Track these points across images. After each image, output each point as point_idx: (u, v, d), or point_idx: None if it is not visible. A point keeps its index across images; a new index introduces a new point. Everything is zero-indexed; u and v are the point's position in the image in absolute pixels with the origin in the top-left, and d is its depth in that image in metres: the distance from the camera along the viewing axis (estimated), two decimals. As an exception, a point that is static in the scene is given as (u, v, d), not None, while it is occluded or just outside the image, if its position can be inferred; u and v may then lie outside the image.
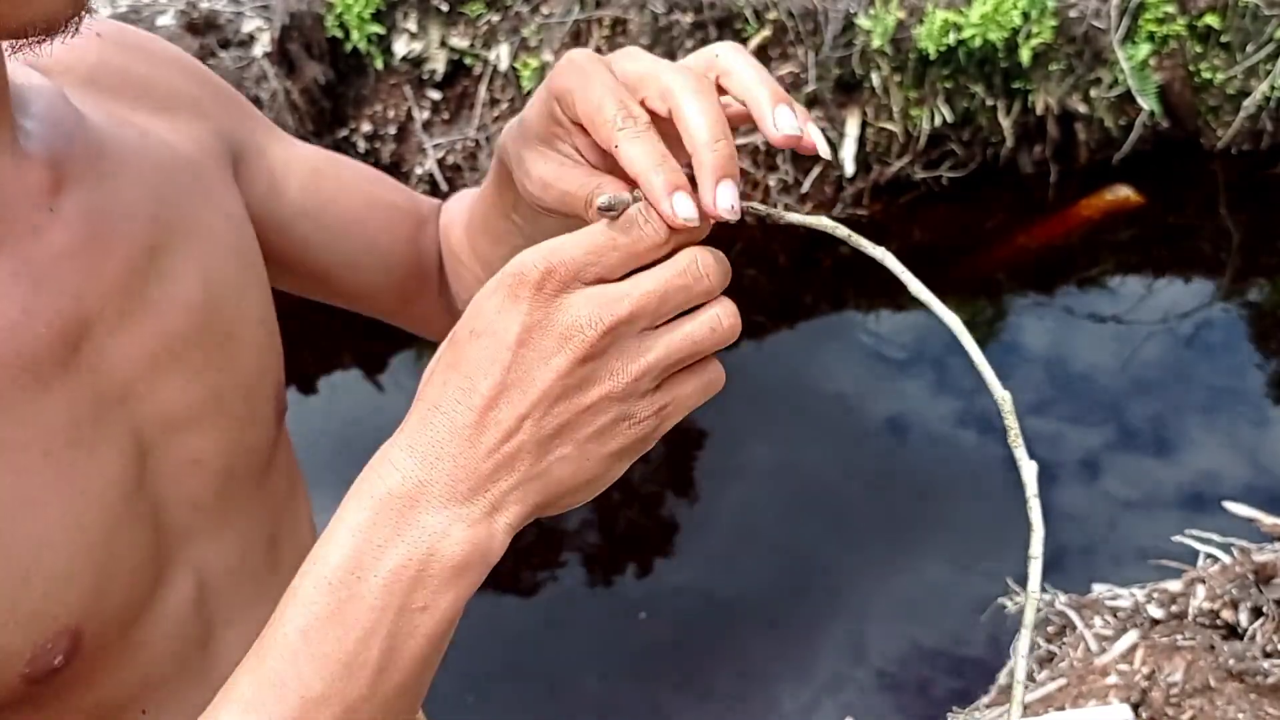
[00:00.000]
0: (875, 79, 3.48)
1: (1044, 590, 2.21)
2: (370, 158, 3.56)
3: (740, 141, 3.28)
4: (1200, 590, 1.92)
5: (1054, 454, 2.90)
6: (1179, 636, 1.87)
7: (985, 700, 2.10)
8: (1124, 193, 3.63)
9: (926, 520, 2.78)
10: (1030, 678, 2.02)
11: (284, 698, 0.50)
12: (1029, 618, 0.51)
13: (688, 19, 3.37)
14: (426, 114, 3.55)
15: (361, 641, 0.50)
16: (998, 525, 2.68)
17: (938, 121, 3.53)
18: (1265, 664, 1.74)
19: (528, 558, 2.75)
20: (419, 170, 3.57)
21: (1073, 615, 2.04)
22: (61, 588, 0.57)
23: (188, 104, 0.73)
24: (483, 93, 3.54)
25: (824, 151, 0.57)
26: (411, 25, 3.48)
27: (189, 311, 0.66)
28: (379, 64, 3.48)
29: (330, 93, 3.48)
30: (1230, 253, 3.64)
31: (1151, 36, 3.46)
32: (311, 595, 0.50)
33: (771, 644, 2.57)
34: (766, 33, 3.42)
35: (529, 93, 3.46)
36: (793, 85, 3.46)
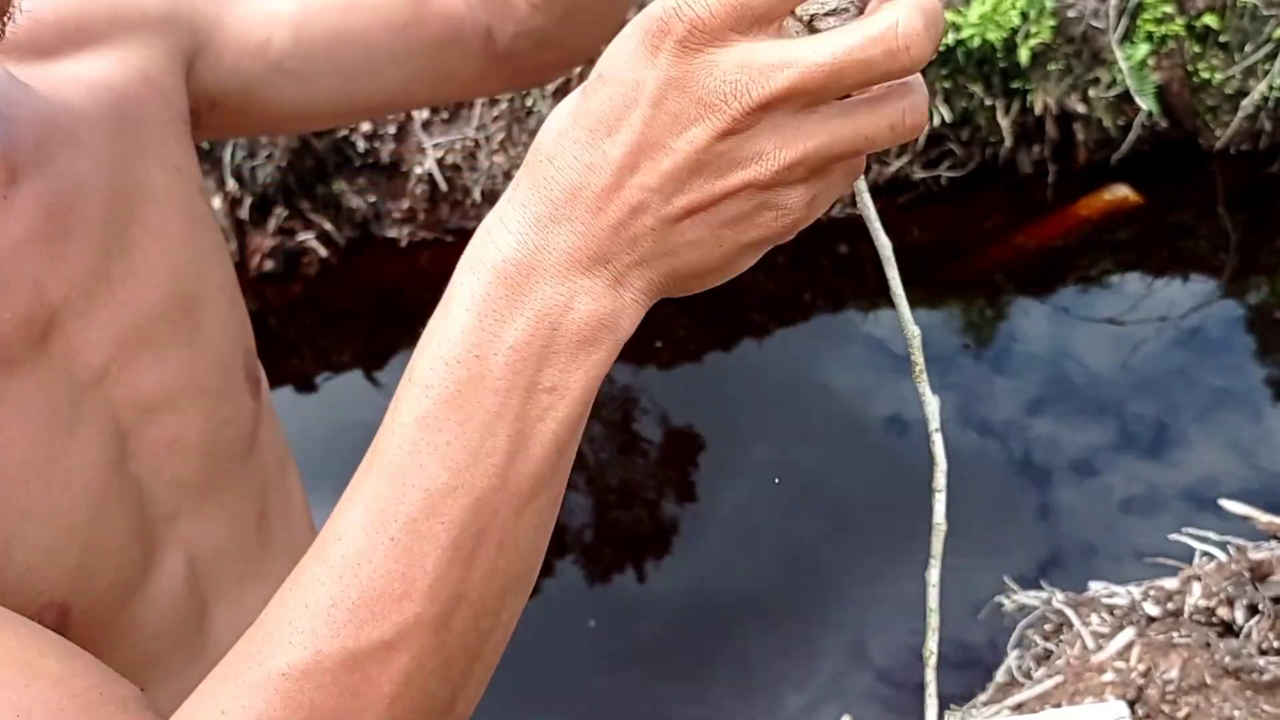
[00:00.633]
0: (874, 79, 3.49)
1: (1042, 587, 2.21)
2: (369, 158, 3.56)
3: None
4: (1196, 588, 1.93)
5: (1052, 451, 2.91)
6: (1175, 634, 1.87)
7: (983, 698, 2.10)
8: (1122, 192, 3.63)
9: (925, 519, 2.79)
10: (1027, 675, 2.03)
11: (406, 493, 0.46)
12: (936, 549, 0.52)
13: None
14: (425, 113, 3.55)
15: (487, 426, 0.45)
16: (996, 525, 2.68)
17: (936, 121, 3.53)
18: (1261, 661, 1.74)
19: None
20: (418, 170, 3.57)
21: (1069, 613, 2.05)
22: (44, 562, 0.58)
23: (131, 22, 0.71)
24: None
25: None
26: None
27: (153, 288, 0.66)
28: None
29: (330, 92, 3.48)
30: (1229, 252, 3.65)
31: (1150, 36, 3.47)
32: (429, 377, 0.46)
33: (771, 643, 2.57)
34: None
35: (528, 92, 3.46)
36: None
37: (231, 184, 3.36)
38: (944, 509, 0.53)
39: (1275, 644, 1.77)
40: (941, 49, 3.34)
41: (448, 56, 0.82)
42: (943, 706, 2.09)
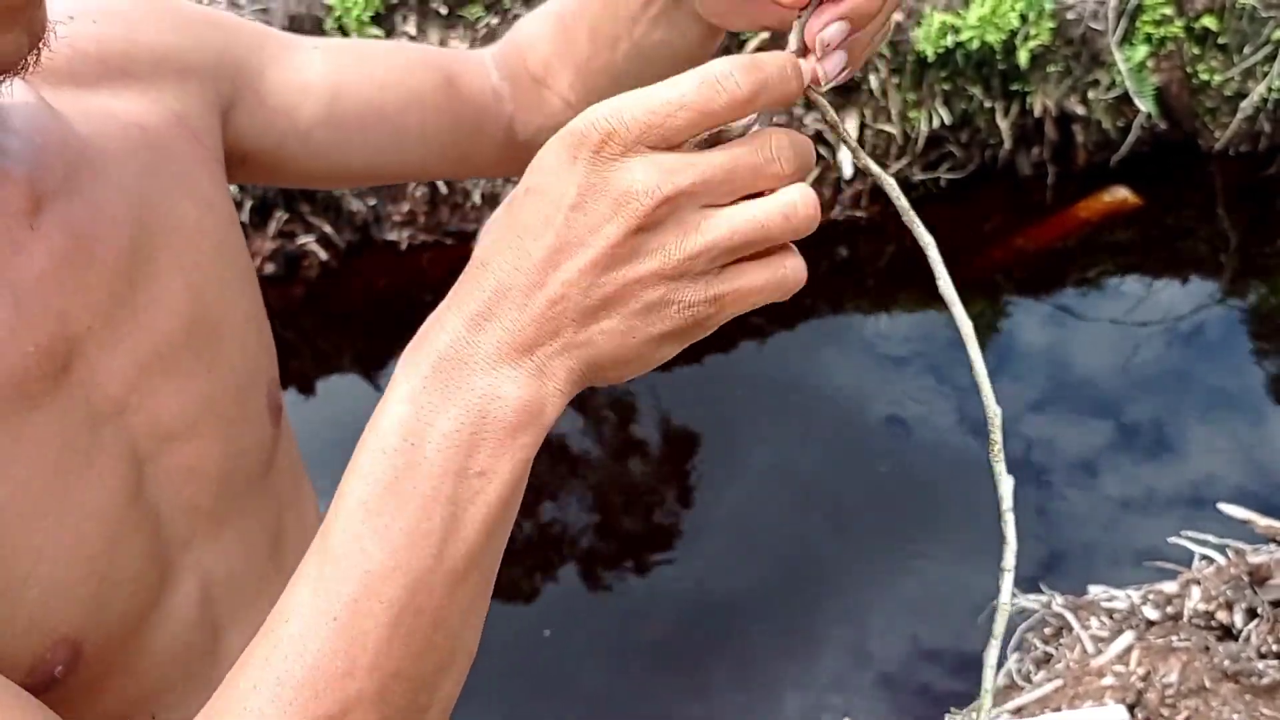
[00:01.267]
0: (873, 81, 3.49)
1: (1041, 591, 2.22)
2: (370, 160, 3.57)
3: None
4: (1195, 592, 1.93)
5: (1051, 454, 2.91)
6: (1174, 638, 1.87)
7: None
8: (1122, 194, 3.63)
9: (926, 521, 2.79)
10: (1026, 678, 2.03)
11: (348, 573, 0.49)
12: (999, 628, 0.52)
13: (686, 21, 3.38)
14: (426, 116, 3.56)
15: (422, 509, 0.48)
16: (997, 526, 2.68)
17: (936, 123, 3.54)
18: (1260, 665, 1.74)
19: (526, 557, 2.76)
20: (418, 172, 3.58)
21: (1069, 616, 2.05)
22: (60, 598, 0.57)
23: (172, 66, 0.72)
24: (482, 95, 3.55)
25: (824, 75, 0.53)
26: (410, 28, 3.49)
27: (175, 315, 0.65)
28: (378, 66, 3.49)
29: (330, 95, 3.49)
30: (1228, 254, 3.65)
31: (1149, 38, 3.47)
32: (368, 466, 0.50)
33: (772, 645, 2.57)
34: (765, 35, 3.42)
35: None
36: (791, 87, 3.47)
37: (232, 187, 3.36)
38: (1010, 590, 0.53)
39: (1274, 648, 1.77)
40: (940, 51, 3.35)
41: (470, 142, 0.85)
42: (943, 709, 2.09)
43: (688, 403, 3.09)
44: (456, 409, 0.49)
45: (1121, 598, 2.04)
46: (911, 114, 3.53)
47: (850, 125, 3.56)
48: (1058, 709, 1.83)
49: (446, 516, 0.49)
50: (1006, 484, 0.54)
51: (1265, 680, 1.72)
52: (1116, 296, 3.45)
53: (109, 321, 0.62)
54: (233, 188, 0.84)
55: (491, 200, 3.57)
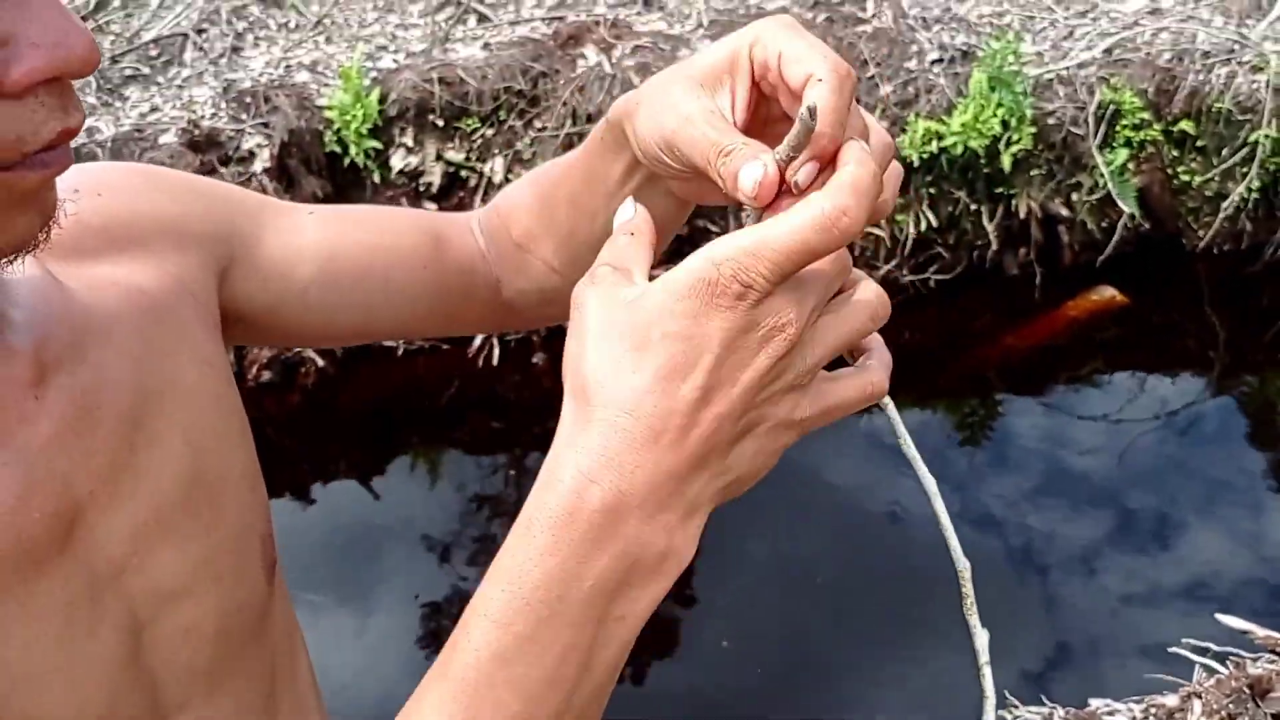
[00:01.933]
0: (861, 186, 3.56)
1: (1042, 703, 2.19)
2: (367, 268, 3.61)
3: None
4: (1197, 705, 1.91)
5: (1049, 551, 2.90)
6: (1179, 746, 1.85)
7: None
8: (1109, 293, 3.68)
9: (927, 613, 2.77)
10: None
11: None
12: None
13: (677, 131, 3.46)
14: (423, 225, 3.62)
15: (560, 658, 0.50)
16: (1000, 619, 2.66)
17: (923, 226, 3.60)
18: (1266, 770, 1.72)
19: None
20: (415, 280, 3.62)
21: (1072, 728, 2.02)
22: None
23: (171, 232, 0.74)
24: (478, 204, 3.61)
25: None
26: (408, 140, 3.57)
27: (175, 477, 0.66)
28: (376, 177, 3.56)
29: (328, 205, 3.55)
30: (1217, 350, 3.69)
31: (1129, 142, 3.56)
32: (505, 614, 0.50)
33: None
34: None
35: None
36: (781, 193, 3.54)
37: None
38: (993, 743, 0.53)
39: (1279, 755, 1.74)
40: (925, 156, 3.43)
41: (457, 301, 0.88)
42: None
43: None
44: (608, 558, 0.49)
45: (1123, 711, 2.02)
46: (899, 217, 3.59)
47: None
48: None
49: (582, 662, 0.50)
50: (983, 638, 0.55)
51: (1272, 785, 1.69)
52: (1108, 393, 3.47)
53: (111, 485, 0.63)
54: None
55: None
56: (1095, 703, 2.10)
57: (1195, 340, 3.74)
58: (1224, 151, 3.60)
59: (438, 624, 2.90)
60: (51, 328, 0.63)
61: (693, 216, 3.46)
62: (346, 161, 3.52)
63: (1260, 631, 1.92)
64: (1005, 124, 3.41)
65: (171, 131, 3.41)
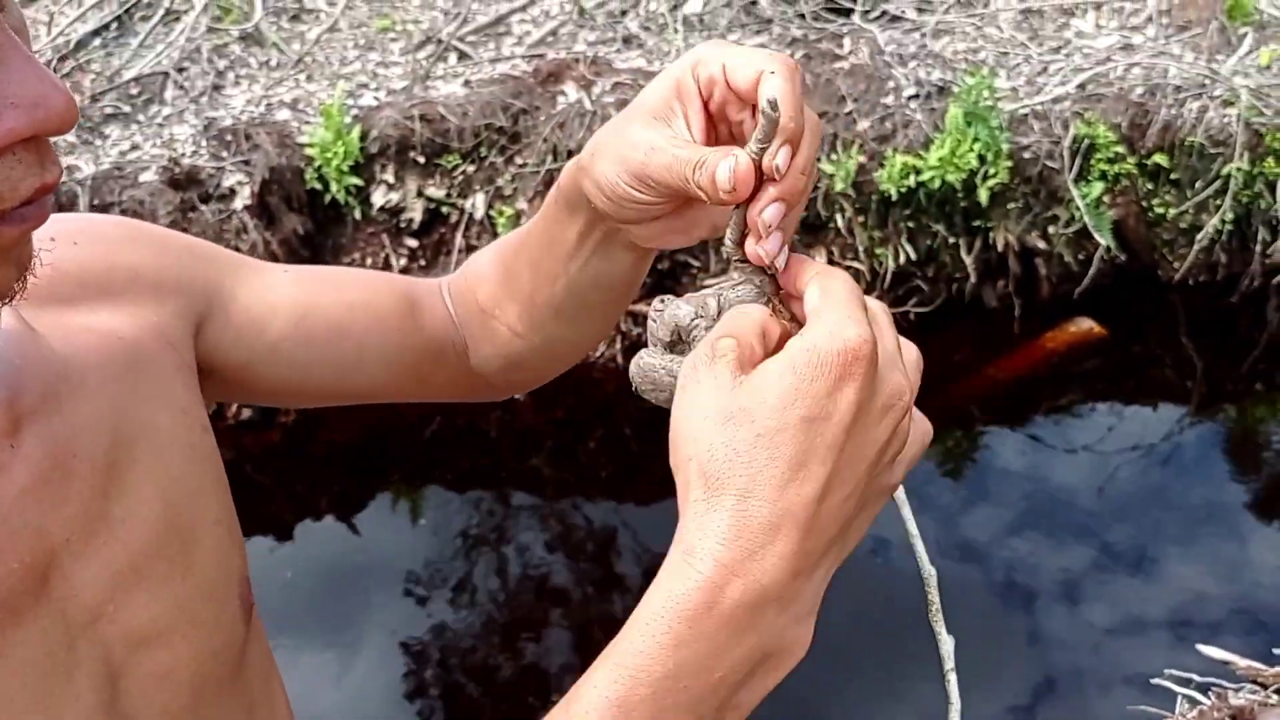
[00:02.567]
0: (840, 220, 3.59)
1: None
2: (348, 305, 3.61)
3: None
4: (1180, 738, 1.91)
5: (1031, 585, 2.90)
6: (1164, 776, 1.84)
7: (975, 841, 2.05)
8: (1087, 325, 3.71)
9: (911, 647, 2.76)
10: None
11: None
12: None
13: (657, 166, 3.48)
14: (404, 260, 3.62)
15: None
16: (977, 660, 2.65)
17: (902, 259, 3.63)
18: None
19: (506, 697, 2.70)
20: (396, 316, 3.62)
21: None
22: None
23: (149, 284, 0.75)
24: (459, 240, 3.62)
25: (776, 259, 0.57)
26: (389, 177, 3.58)
27: (149, 524, 0.66)
28: (357, 214, 3.57)
29: (309, 242, 3.55)
30: (1194, 380, 3.71)
31: (1104, 175, 3.60)
32: (629, 700, 0.49)
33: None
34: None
35: (496, 234, 3.54)
36: (761, 227, 3.56)
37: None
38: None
39: (1264, 784, 1.74)
40: (903, 190, 3.46)
41: (428, 366, 0.89)
42: None
43: (668, 537, 3.07)
44: (743, 651, 0.49)
45: (1108, 742, 2.01)
46: (878, 250, 3.62)
47: (820, 260, 3.64)
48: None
49: None
50: (948, 644, 0.55)
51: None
52: (1088, 424, 3.49)
53: (86, 534, 0.63)
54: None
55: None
56: (1079, 737, 2.10)
57: (1173, 371, 3.76)
58: (1197, 184, 3.65)
59: (418, 664, 2.88)
60: (26, 378, 0.63)
61: (673, 252, 3.48)
62: (327, 198, 3.52)
63: (1242, 662, 1.93)
64: (982, 158, 3.45)
65: (152, 169, 3.41)
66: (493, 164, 3.59)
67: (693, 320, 0.54)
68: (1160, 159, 3.61)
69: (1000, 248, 3.67)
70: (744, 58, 0.58)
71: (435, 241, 3.66)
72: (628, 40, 3.93)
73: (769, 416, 0.49)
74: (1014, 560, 2.96)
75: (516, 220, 3.52)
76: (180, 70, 3.80)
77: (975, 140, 3.41)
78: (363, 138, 3.51)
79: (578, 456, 3.55)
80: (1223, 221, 3.63)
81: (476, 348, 0.89)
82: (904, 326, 3.71)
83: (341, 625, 2.92)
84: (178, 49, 3.84)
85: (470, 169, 3.60)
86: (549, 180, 3.54)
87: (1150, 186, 3.69)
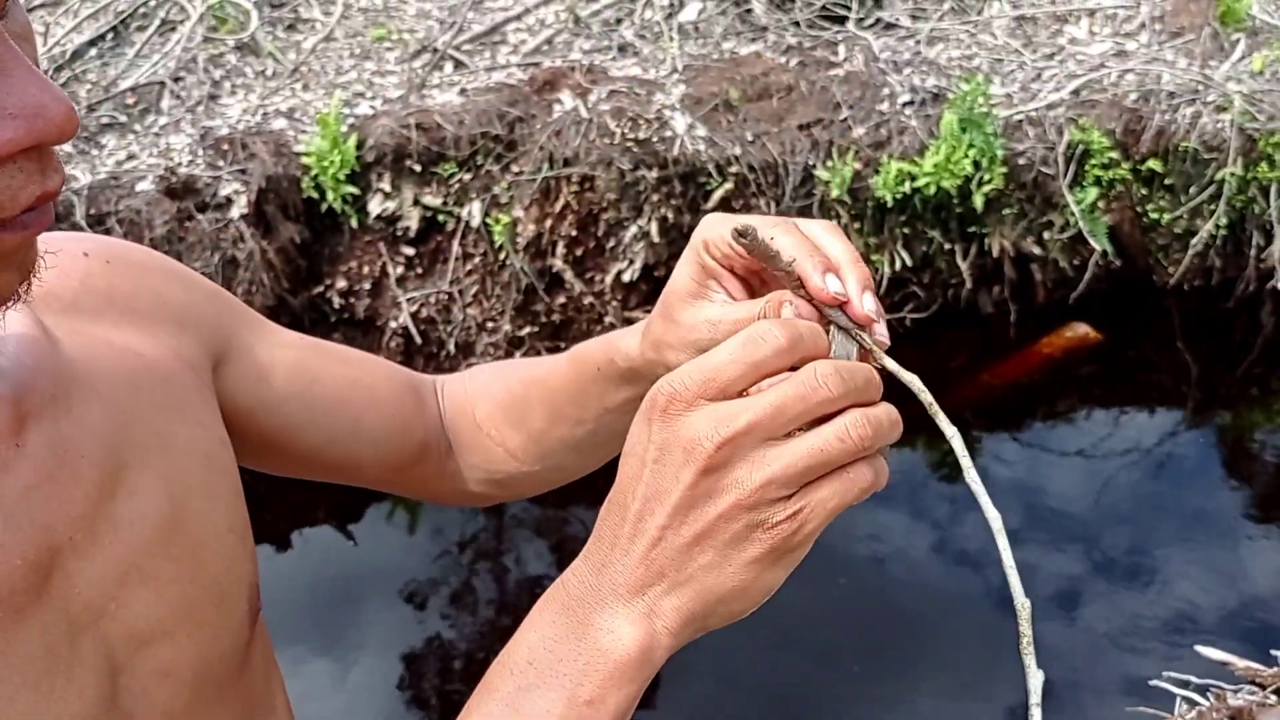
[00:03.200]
0: (836, 226, 3.59)
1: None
2: (345, 313, 3.62)
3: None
4: (1179, 741, 1.91)
5: (1031, 586, 2.90)
6: (1163, 779, 1.84)
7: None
8: (1083, 330, 3.72)
9: (914, 653, 2.76)
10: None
11: None
12: None
13: (653, 175, 3.49)
14: (401, 269, 3.62)
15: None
16: (986, 656, 2.66)
17: (898, 265, 3.63)
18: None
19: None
20: (393, 324, 3.63)
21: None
22: None
23: (173, 313, 0.76)
24: (455, 248, 3.62)
25: (885, 338, 0.63)
26: (386, 185, 3.58)
27: (156, 527, 0.67)
28: (354, 222, 3.57)
29: (306, 251, 3.55)
30: (1190, 385, 3.72)
31: (1098, 181, 3.61)
32: (496, 682, 0.58)
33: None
34: (729, 185, 3.54)
35: (500, 247, 3.55)
36: (757, 234, 3.56)
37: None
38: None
39: (1262, 785, 1.74)
40: (898, 197, 3.47)
41: (413, 456, 0.91)
42: None
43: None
44: (574, 639, 0.57)
45: (1108, 743, 2.01)
46: (874, 257, 3.63)
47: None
48: None
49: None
50: (1037, 678, 0.55)
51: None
52: (1084, 429, 3.50)
53: (90, 532, 0.63)
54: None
55: (465, 349, 3.61)
56: (1078, 740, 2.10)
57: (1169, 376, 3.77)
58: (1191, 189, 3.66)
59: (415, 672, 2.88)
60: (34, 377, 0.63)
61: (670, 258, 3.46)
62: (324, 207, 3.53)
63: (1240, 663, 1.93)
64: (977, 164, 3.46)
65: (148, 179, 3.41)
66: (489, 172, 3.60)
67: None
68: (1154, 164, 3.62)
69: (996, 253, 3.68)
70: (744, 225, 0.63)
71: (432, 249, 3.67)
72: (623, 48, 3.94)
73: (626, 450, 0.59)
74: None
75: (513, 228, 3.52)
76: (176, 80, 3.81)
77: (970, 146, 3.43)
78: (359, 146, 3.51)
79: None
80: (1217, 226, 3.64)
81: (462, 455, 0.91)
82: (900, 332, 3.72)
83: (339, 633, 2.92)
84: (174, 59, 3.85)
85: (466, 177, 3.60)
86: (545, 188, 3.55)
87: (1145, 192, 3.70)
